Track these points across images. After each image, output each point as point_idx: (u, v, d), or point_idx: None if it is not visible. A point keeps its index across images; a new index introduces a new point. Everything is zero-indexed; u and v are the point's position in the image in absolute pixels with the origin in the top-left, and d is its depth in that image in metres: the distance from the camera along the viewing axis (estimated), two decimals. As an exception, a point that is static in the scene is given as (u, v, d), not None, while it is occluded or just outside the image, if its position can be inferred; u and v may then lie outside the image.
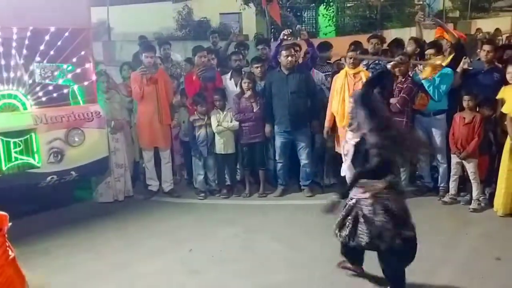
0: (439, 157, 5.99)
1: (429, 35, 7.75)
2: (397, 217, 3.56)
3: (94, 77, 5.78)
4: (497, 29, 15.10)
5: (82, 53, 5.54)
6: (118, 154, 6.29)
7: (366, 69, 6.12)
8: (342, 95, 5.81)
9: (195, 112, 6.37)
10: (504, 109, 5.31)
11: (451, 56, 6.01)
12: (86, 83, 5.68)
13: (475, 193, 5.63)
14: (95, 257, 4.79)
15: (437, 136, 5.93)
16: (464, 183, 5.88)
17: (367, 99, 3.55)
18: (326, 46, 7.04)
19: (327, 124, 6.06)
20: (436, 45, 6.06)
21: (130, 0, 18.43)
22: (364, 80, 5.71)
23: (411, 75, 5.98)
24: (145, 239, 5.18)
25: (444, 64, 5.96)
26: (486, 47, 5.83)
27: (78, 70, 5.59)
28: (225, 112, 6.34)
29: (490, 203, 5.59)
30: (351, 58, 5.84)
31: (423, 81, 5.81)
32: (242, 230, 5.38)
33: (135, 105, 6.62)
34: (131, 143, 6.71)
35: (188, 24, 17.26)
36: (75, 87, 5.64)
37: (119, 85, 6.66)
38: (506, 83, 5.39)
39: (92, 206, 6.27)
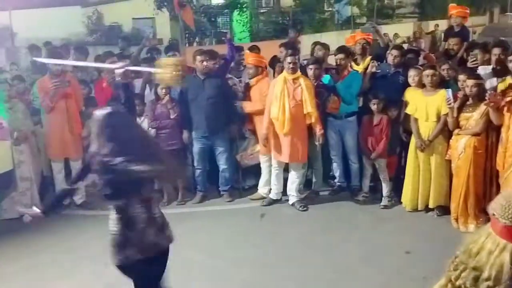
0: (351, 157, 6.20)
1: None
2: None
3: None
4: (396, 34, 16.15)
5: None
6: (23, 166, 5.91)
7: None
8: (282, 101, 5.69)
9: None
10: (407, 110, 5.63)
11: (368, 59, 6.28)
12: (-15, 92, 5.31)
13: (385, 190, 5.92)
14: (0, 279, 4.46)
15: (349, 138, 6.11)
16: (375, 182, 6.15)
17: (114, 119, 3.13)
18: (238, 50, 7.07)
19: (265, 131, 5.91)
20: (344, 50, 6.28)
21: (35, 4, 17.46)
22: (303, 86, 5.69)
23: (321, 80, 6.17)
24: (57, 256, 4.91)
25: (362, 67, 6.23)
26: (394, 52, 6.11)
27: (-24, 78, 5.21)
28: (142, 118, 6.19)
29: (399, 199, 5.89)
30: (290, 63, 5.76)
31: (337, 84, 6.00)
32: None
33: (42, 114, 6.27)
34: (38, 155, 6.33)
35: (99, 29, 16.70)
36: (-27, 96, 5.26)
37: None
38: (409, 85, 5.73)
39: (-4, 224, 5.85)
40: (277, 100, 5.73)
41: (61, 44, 10.25)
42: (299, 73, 5.83)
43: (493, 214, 1.49)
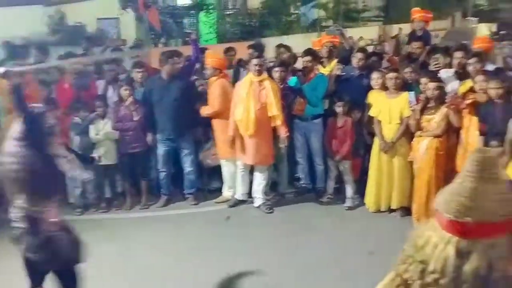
0: (316, 159, 6.23)
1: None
2: None
3: None
4: (361, 37, 16.40)
5: None
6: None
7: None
8: (247, 103, 5.67)
9: (76, 118, 5.99)
10: (371, 113, 5.70)
11: (334, 62, 6.31)
12: None
13: (349, 192, 5.97)
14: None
15: (315, 140, 6.14)
16: (340, 183, 6.19)
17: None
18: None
19: (231, 132, 5.86)
20: (311, 53, 6.30)
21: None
22: (269, 88, 5.64)
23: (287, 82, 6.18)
24: (13, 263, 4.73)
25: (328, 70, 6.25)
26: (358, 55, 6.19)
27: None
28: (105, 120, 6.06)
29: (363, 200, 5.95)
30: (256, 65, 5.74)
31: (303, 86, 6.01)
32: (124, 245, 5.15)
33: (1, 116, 6.06)
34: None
35: (62, 29, 16.29)
36: None
37: None
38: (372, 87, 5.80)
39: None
40: (242, 102, 5.71)
41: (21, 43, 9.95)
42: (265, 75, 5.80)
43: (437, 209, 1.52)
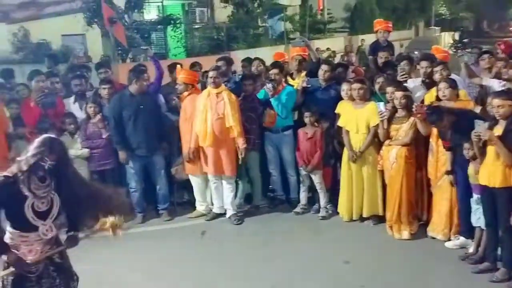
0: (289, 170, 6.27)
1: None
2: None
3: None
4: (328, 49, 16.65)
5: None
6: None
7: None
8: (204, 114, 5.75)
9: None
10: (339, 123, 5.77)
11: (303, 74, 6.37)
12: None
13: (322, 201, 6.01)
14: None
15: (287, 151, 6.19)
16: (313, 193, 6.23)
17: None
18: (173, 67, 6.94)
19: (192, 144, 5.90)
20: (278, 66, 6.37)
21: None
22: (226, 100, 5.71)
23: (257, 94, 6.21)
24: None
25: (298, 82, 6.29)
26: (324, 67, 6.22)
27: None
28: (75, 137, 5.97)
29: (336, 210, 5.99)
30: (211, 77, 5.79)
31: (271, 99, 6.06)
32: (98, 263, 5.04)
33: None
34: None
35: (26, 47, 15.97)
36: None
37: None
38: (342, 98, 5.87)
39: None
40: (201, 113, 5.78)
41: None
42: (222, 87, 5.87)
43: None
